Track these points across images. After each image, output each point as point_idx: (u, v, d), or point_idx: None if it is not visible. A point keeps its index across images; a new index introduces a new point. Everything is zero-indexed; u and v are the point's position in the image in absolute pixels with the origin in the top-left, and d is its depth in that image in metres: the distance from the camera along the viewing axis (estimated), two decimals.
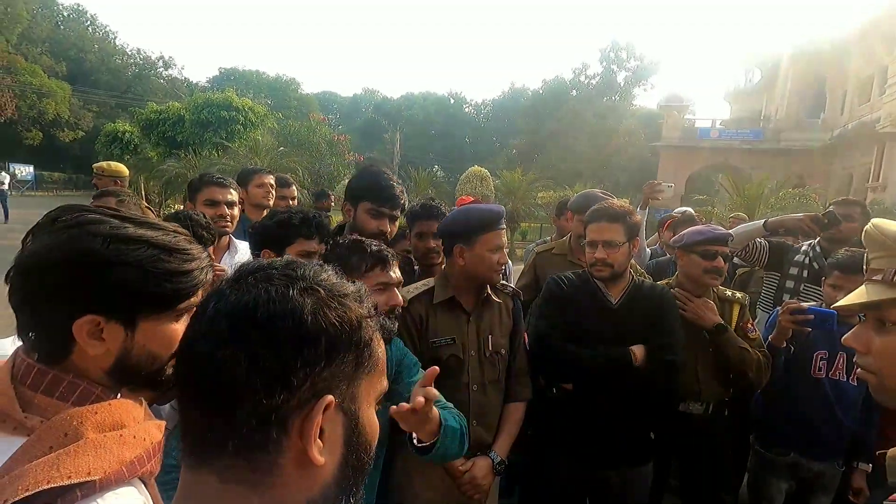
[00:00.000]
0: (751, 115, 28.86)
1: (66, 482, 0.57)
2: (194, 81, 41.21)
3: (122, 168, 4.24)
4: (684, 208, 6.96)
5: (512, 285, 2.06)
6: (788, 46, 25.99)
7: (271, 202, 3.03)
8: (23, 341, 0.71)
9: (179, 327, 0.73)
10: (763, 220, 2.54)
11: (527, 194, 17.44)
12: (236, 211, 2.45)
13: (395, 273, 1.40)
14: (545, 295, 2.05)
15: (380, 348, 0.59)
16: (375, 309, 0.60)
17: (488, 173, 15.84)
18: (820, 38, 24.12)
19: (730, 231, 2.27)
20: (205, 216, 1.95)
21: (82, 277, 0.68)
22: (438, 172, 29.47)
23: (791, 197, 11.78)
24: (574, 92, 33.19)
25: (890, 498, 0.73)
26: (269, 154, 12.97)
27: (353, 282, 1.35)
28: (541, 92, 35.47)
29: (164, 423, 0.73)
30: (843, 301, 0.91)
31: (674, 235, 3.32)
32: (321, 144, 15.01)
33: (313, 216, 1.71)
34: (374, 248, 1.36)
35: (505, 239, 1.84)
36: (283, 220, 1.65)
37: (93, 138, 23.74)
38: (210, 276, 0.79)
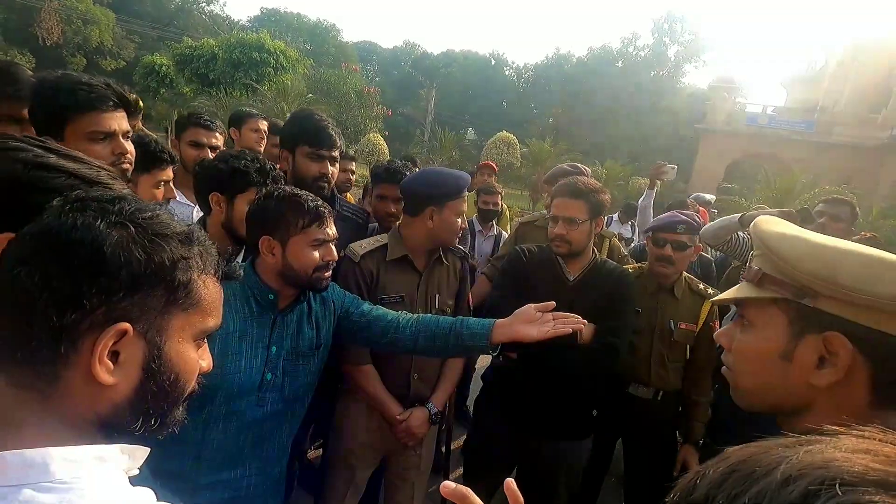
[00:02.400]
0: (805, 104, 27.14)
1: None
2: (235, 19, 40.95)
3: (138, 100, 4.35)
4: (706, 195, 6.74)
5: (464, 249, 2.08)
6: (856, 35, 24.07)
7: (262, 148, 3.05)
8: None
9: None
10: (740, 215, 2.45)
11: (554, 166, 17.09)
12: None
13: (332, 230, 1.41)
14: (504, 265, 2.06)
15: (206, 290, 0.61)
16: (210, 255, 0.63)
17: (516, 140, 15.54)
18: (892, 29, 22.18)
19: (687, 220, 2.14)
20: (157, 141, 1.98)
21: (3, 200, 0.71)
22: (470, 134, 28.96)
23: (827, 194, 11.17)
24: (620, 63, 31.75)
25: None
26: (296, 100, 12.95)
27: (273, 235, 1.37)
28: (585, 60, 34.04)
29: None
30: (722, 295, 0.89)
31: None
32: (350, 95, 14.86)
33: (270, 167, 1.66)
34: (310, 203, 1.36)
35: (465, 206, 1.86)
36: (238, 168, 1.58)
37: (133, 68, 24.05)
38: None
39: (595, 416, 2.10)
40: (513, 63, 46.60)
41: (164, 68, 18.72)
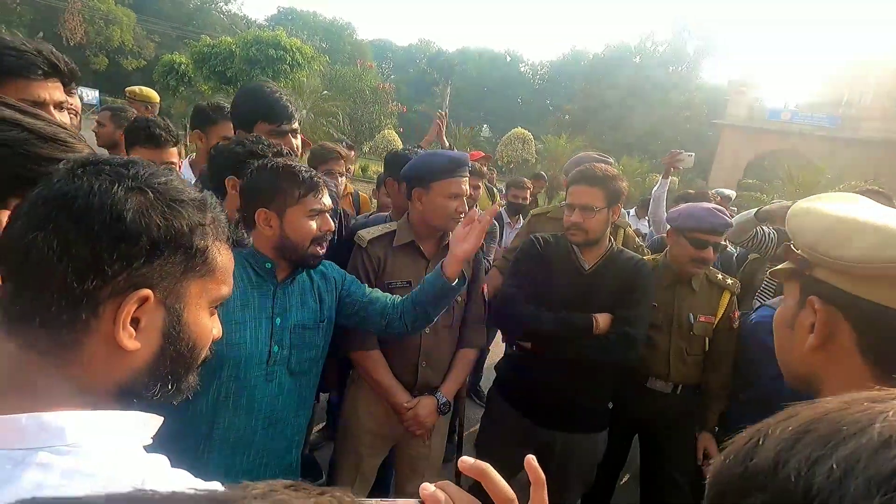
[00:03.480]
0: (831, 99, 26.43)
1: None
2: (252, 18, 41.44)
3: (153, 94, 4.38)
4: (726, 190, 6.60)
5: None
6: (882, 29, 23.30)
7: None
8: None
9: None
10: (755, 210, 2.37)
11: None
12: None
13: (327, 200, 1.39)
14: (518, 254, 2.02)
15: (220, 256, 0.61)
16: (222, 222, 0.62)
17: (531, 136, 15.43)
18: None
19: (731, 220, 2.09)
20: (165, 120, 2.00)
21: None
22: (485, 131, 28.84)
23: (852, 191, 10.82)
24: (638, 59, 31.31)
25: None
26: (311, 96, 13.03)
27: (269, 207, 1.35)
28: (602, 56, 33.63)
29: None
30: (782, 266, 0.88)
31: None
32: (366, 92, 14.92)
33: (286, 151, 1.64)
34: (304, 174, 1.34)
35: (465, 188, 1.78)
36: (254, 151, 1.56)
37: (153, 67, 24.47)
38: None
39: (611, 408, 2.06)
40: (528, 60, 46.38)
41: (182, 66, 19.00)
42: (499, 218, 3.58)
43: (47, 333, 0.53)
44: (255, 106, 1.86)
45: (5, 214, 0.75)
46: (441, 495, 0.48)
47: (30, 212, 0.54)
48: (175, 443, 1.16)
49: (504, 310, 1.92)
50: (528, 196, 3.91)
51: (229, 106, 2.84)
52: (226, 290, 0.64)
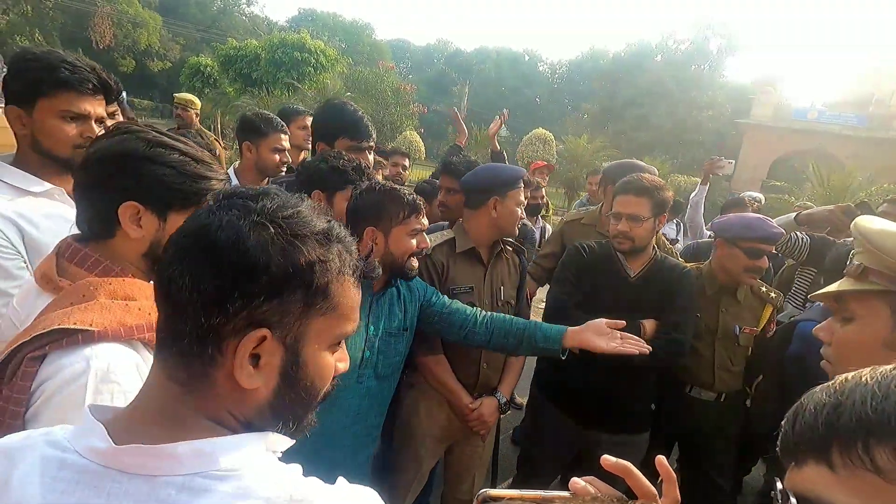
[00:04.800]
0: (859, 98, 25.73)
1: (71, 326, 0.74)
2: (273, 20, 42.01)
3: (189, 97, 4.63)
4: (754, 193, 6.53)
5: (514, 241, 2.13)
6: None
7: (310, 144, 3.15)
8: (80, 229, 0.91)
9: None
10: (795, 213, 2.38)
11: (591, 162, 16.78)
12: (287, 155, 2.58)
13: (425, 220, 1.55)
14: (565, 261, 2.09)
15: (344, 292, 0.59)
16: (350, 254, 0.60)
17: (552, 137, 15.38)
18: None
19: (782, 229, 2.08)
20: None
21: (128, 170, 0.85)
22: (503, 131, 28.77)
23: (886, 193, 10.58)
24: (659, 57, 30.86)
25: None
26: (335, 98, 13.18)
27: (376, 226, 1.40)
28: (622, 55, 33.27)
29: None
30: (825, 289, 0.91)
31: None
32: (387, 93, 15.03)
33: (365, 166, 1.75)
34: (408, 197, 1.49)
35: (522, 198, 1.92)
36: (336, 167, 1.67)
37: (178, 70, 25.01)
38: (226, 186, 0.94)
39: (654, 410, 2.11)
40: (547, 59, 46.08)
41: (208, 69, 19.40)
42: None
43: (183, 365, 0.55)
44: (339, 122, 2.01)
45: (171, 225, 0.88)
46: (591, 489, 0.55)
47: (175, 243, 0.56)
48: None
49: (555, 317, 1.99)
50: (544, 195, 4.02)
51: (277, 115, 2.97)
52: (350, 326, 0.61)
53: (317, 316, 0.57)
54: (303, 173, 1.76)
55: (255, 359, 0.54)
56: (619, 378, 1.90)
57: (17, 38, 24.82)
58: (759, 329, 2.12)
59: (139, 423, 0.55)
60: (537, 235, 3.74)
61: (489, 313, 1.66)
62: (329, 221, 0.59)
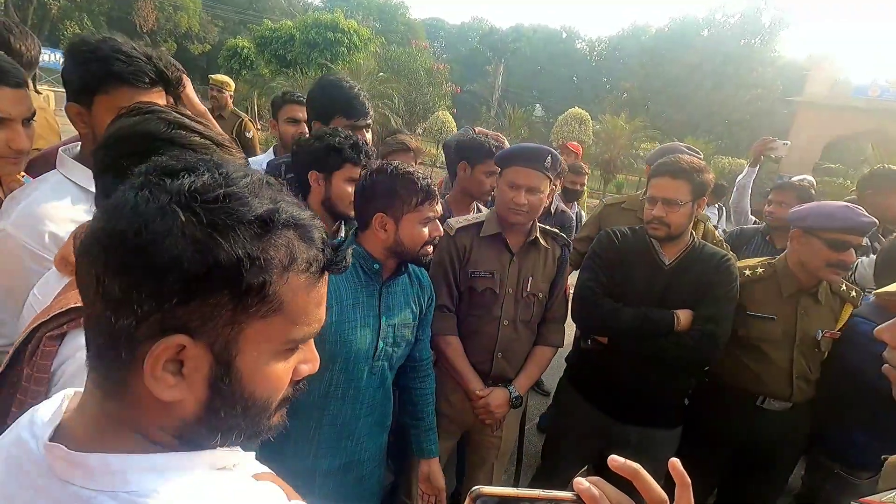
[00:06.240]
0: None
1: None
2: (309, 0, 42.11)
3: (224, 79, 4.69)
4: (804, 176, 6.16)
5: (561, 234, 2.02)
6: None
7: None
8: (98, 206, 0.88)
9: None
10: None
11: (628, 143, 16.25)
12: None
13: (439, 207, 1.46)
14: (595, 247, 1.99)
15: (291, 292, 0.49)
16: (306, 243, 0.50)
17: (588, 117, 14.89)
18: None
19: (874, 219, 1.77)
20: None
21: (150, 149, 0.80)
22: (537, 111, 28.16)
23: None
24: (706, 32, 29.32)
25: (861, 500, 0.69)
26: (368, 78, 13.16)
27: (387, 212, 1.37)
28: (666, 30, 31.77)
29: None
30: (891, 287, 0.82)
31: (770, 206, 2.98)
32: (420, 72, 14.89)
33: (362, 143, 1.68)
34: (422, 182, 1.40)
35: (530, 180, 1.75)
36: (332, 145, 1.61)
37: (217, 52, 25.48)
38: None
39: (713, 428, 1.96)
40: (585, 36, 44.50)
41: (245, 51, 19.67)
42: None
43: (103, 368, 0.49)
44: (333, 101, 1.93)
45: None
46: (596, 491, 0.49)
47: (88, 231, 0.47)
48: (290, 429, 1.30)
49: (581, 304, 1.91)
50: (585, 182, 3.90)
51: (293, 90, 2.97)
52: (304, 330, 0.51)
53: (253, 320, 0.47)
54: (297, 154, 1.68)
55: (180, 365, 0.46)
56: (650, 371, 1.82)
57: (67, 24, 25.82)
58: (839, 331, 1.88)
59: (80, 423, 0.51)
60: (574, 223, 3.65)
61: (429, 372, 1.67)
62: (275, 203, 0.48)
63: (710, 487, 2.11)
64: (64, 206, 1.15)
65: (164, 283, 0.43)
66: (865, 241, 2.41)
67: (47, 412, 0.52)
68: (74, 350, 0.74)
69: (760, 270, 1.96)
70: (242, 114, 4.81)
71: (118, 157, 0.83)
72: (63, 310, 0.75)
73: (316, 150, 1.62)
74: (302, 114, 2.49)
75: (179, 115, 0.87)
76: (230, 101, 4.68)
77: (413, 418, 1.63)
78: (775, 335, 1.86)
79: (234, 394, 0.49)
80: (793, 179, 3.93)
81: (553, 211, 2.88)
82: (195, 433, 0.50)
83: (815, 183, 5.55)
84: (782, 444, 1.94)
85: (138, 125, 0.84)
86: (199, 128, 0.87)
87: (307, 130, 2.45)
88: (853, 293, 1.92)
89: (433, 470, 1.61)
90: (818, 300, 1.89)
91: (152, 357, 0.45)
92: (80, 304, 0.72)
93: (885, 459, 0.76)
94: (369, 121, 1.99)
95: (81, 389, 0.55)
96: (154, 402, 0.47)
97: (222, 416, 0.50)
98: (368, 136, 2.01)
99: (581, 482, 0.51)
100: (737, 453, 2.01)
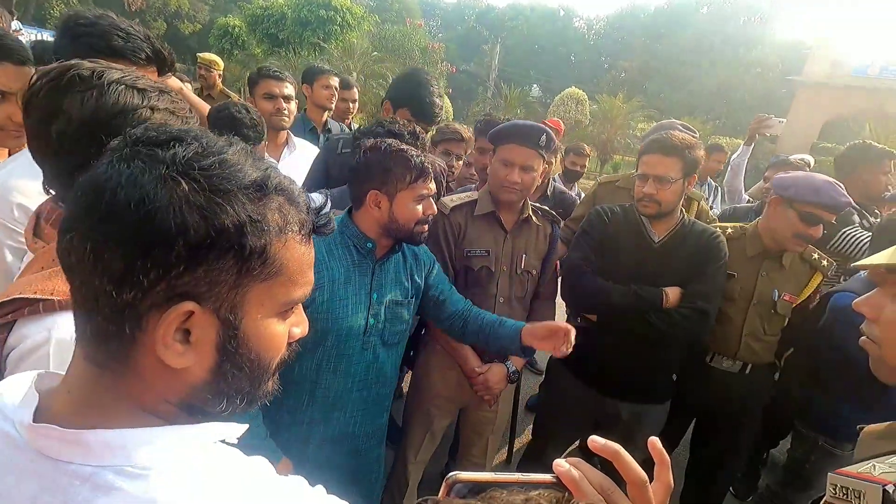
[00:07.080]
0: None
1: (31, 296, 0.70)
2: None
3: (211, 57, 4.60)
4: (803, 155, 6.14)
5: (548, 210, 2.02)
6: None
7: (334, 105, 3.08)
8: (54, 190, 0.85)
9: None
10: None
11: (625, 124, 16.14)
12: (293, 105, 2.51)
13: (433, 185, 1.44)
14: (584, 225, 1.99)
15: (288, 253, 0.50)
16: (295, 206, 0.51)
17: (585, 97, 14.76)
18: None
19: (850, 198, 1.81)
20: (250, 112, 1.99)
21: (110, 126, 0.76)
22: (534, 91, 27.85)
23: None
24: (705, 10, 28.91)
25: (837, 471, 0.70)
26: (362, 58, 12.94)
27: (381, 189, 1.36)
28: (665, 8, 31.30)
29: None
30: (869, 259, 0.81)
31: (767, 183, 2.97)
32: (415, 52, 14.65)
33: (420, 132, 1.77)
34: (416, 159, 1.37)
35: (524, 158, 1.74)
36: (392, 130, 1.68)
37: (208, 31, 24.94)
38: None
39: (675, 379, 2.03)
40: (583, 14, 43.77)
41: (236, 30, 19.27)
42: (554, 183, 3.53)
43: (100, 345, 0.48)
44: (410, 96, 2.09)
45: None
46: (576, 473, 0.49)
47: (70, 205, 0.46)
48: (283, 397, 1.32)
49: (571, 282, 1.92)
50: (586, 164, 3.86)
51: (302, 75, 3.02)
52: (299, 292, 0.53)
53: (256, 283, 0.49)
54: (359, 139, 1.69)
55: (186, 334, 0.47)
56: (639, 347, 1.83)
57: (54, 3, 25.17)
58: (802, 298, 1.94)
59: (67, 402, 0.50)
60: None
61: (477, 310, 1.59)
62: (266, 170, 0.49)
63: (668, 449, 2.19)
64: (37, 181, 1.14)
65: (172, 251, 0.44)
66: (855, 217, 2.41)
67: (14, 396, 0.51)
68: (19, 340, 0.72)
69: (730, 231, 2.01)
70: (232, 93, 4.73)
71: (76, 134, 0.78)
72: (8, 299, 0.71)
73: (376, 136, 1.57)
74: (279, 89, 2.44)
75: (132, 79, 0.81)
76: (219, 81, 4.60)
77: (497, 337, 1.52)
78: (733, 292, 1.93)
79: (241, 356, 0.51)
80: (791, 158, 3.91)
81: (551, 192, 2.85)
82: (202, 400, 0.51)
83: (812, 163, 5.53)
84: (737, 411, 2.01)
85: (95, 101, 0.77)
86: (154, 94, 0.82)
87: (283, 106, 2.42)
88: (824, 262, 1.96)
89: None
90: (782, 265, 1.95)
91: (164, 325, 0.46)
92: (24, 294, 0.71)
93: (862, 429, 0.76)
94: (428, 125, 2.13)
95: (44, 371, 0.54)
96: (161, 373, 0.48)
97: (230, 379, 0.51)
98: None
99: (561, 464, 0.51)
100: (697, 420, 2.13)
